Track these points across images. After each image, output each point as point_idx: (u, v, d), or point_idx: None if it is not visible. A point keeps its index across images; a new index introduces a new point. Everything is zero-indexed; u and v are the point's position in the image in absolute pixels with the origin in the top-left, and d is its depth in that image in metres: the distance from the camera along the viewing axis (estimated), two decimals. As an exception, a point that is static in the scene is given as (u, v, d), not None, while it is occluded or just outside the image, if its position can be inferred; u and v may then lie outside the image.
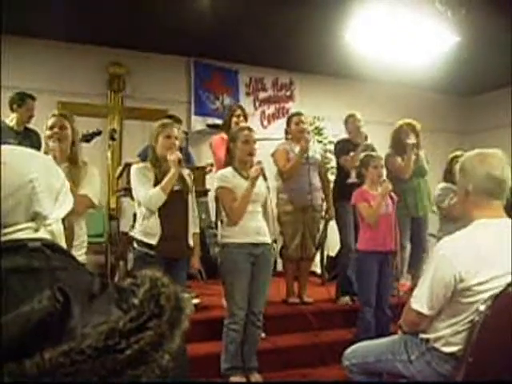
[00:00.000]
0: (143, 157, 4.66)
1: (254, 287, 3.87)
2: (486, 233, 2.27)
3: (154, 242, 3.65)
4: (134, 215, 4.37)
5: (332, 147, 6.82)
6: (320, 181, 5.28)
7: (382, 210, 4.36)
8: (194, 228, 3.95)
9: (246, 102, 8.06)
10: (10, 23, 5.80)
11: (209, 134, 6.91)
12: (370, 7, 5.14)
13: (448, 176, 4.63)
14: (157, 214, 3.68)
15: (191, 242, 3.88)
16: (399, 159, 5.31)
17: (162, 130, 3.81)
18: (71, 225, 3.08)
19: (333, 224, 6.30)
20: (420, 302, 2.32)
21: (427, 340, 2.39)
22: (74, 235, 3.17)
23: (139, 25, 6.31)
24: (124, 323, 0.78)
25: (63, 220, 1.18)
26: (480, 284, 2.18)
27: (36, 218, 1.08)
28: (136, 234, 3.78)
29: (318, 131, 7.88)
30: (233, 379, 3.86)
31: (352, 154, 5.12)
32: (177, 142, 3.86)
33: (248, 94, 8.22)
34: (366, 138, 5.35)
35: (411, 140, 5.20)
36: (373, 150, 5.23)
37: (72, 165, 3.42)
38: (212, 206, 5.44)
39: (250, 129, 4.06)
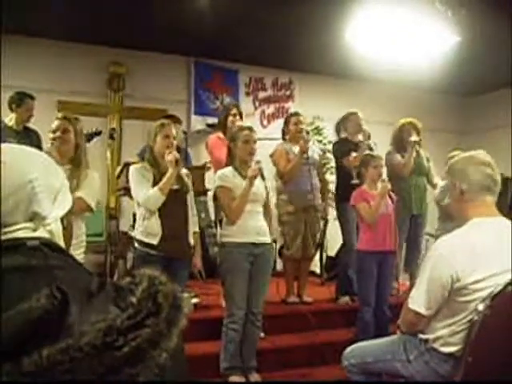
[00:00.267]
0: (142, 156, 4.66)
1: (253, 287, 3.87)
2: (481, 231, 2.29)
3: (154, 241, 3.66)
4: (134, 215, 4.37)
5: (331, 147, 6.82)
6: (319, 181, 5.28)
7: (381, 209, 4.36)
8: (193, 227, 3.96)
9: (246, 102, 8.08)
10: (10, 23, 5.81)
11: (209, 133, 6.89)
12: (369, 7, 5.14)
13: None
14: (157, 214, 3.69)
15: (191, 241, 3.89)
16: (400, 157, 5.32)
17: (161, 129, 3.82)
18: (70, 224, 3.09)
19: (332, 224, 6.32)
20: (417, 302, 2.32)
21: (426, 340, 2.39)
22: (73, 234, 3.18)
23: (139, 24, 6.30)
24: (122, 321, 0.78)
25: (62, 219, 1.18)
26: (476, 282, 2.19)
27: (35, 217, 1.08)
28: (136, 234, 3.79)
29: (318, 131, 7.88)
30: (232, 379, 3.86)
31: (354, 154, 5.10)
32: (175, 142, 3.87)
33: (248, 94, 8.22)
34: (369, 136, 5.34)
35: (414, 138, 5.22)
36: (371, 149, 5.23)
37: (74, 167, 3.44)
38: (211, 205, 5.44)
39: (250, 129, 4.06)
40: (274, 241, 5.25)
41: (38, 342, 0.74)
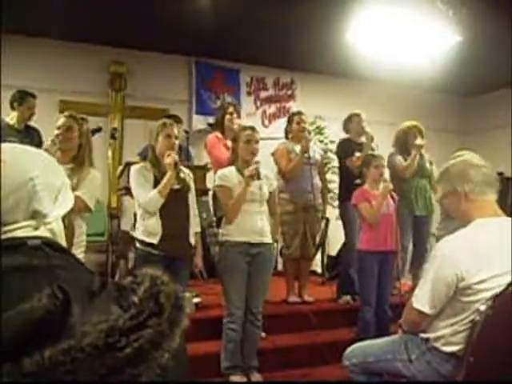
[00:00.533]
0: (144, 156, 4.67)
1: (251, 287, 3.87)
2: (485, 231, 2.29)
3: (155, 241, 3.66)
4: (135, 214, 4.37)
5: (333, 147, 6.83)
6: (319, 180, 5.28)
7: (382, 209, 4.36)
8: (195, 227, 3.96)
9: (247, 102, 8.09)
10: (11, 23, 5.81)
11: (210, 133, 6.91)
12: (370, 7, 5.14)
13: None
14: (158, 213, 3.69)
15: (193, 241, 3.89)
16: (402, 159, 5.32)
17: (163, 129, 3.82)
18: (71, 223, 3.09)
19: (333, 223, 6.32)
20: (421, 301, 2.32)
21: (427, 339, 2.39)
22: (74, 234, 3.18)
23: (140, 24, 6.31)
24: (124, 321, 0.78)
25: (63, 218, 1.17)
26: (481, 282, 2.19)
27: (36, 216, 1.07)
28: (138, 233, 3.79)
29: (319, 131, 7.87)
30: (233, 378, 3.86)
31: (358, 154, 5.10)
32: (177, 142, 3.87)
33: (249, 94, 8.22)
34: (372, 139, 5.34)
35: (419, 141, 5.22)
36: (373, 150, 5.23)
37: (76, 166, 3.44)
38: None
39: (252, 128, 4.06)
40: (276, 241, 5.25)
41: (40, 342, 0.74)
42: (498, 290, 2.16)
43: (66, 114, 3.65)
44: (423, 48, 5.71)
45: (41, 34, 6.68)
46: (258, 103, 8.28)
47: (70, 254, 1.08)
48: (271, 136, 5.96)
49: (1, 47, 5.62)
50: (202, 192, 4.89)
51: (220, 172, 3.98)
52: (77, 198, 3.27)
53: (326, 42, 6.59)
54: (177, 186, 3.78)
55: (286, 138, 5.36)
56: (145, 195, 3.67)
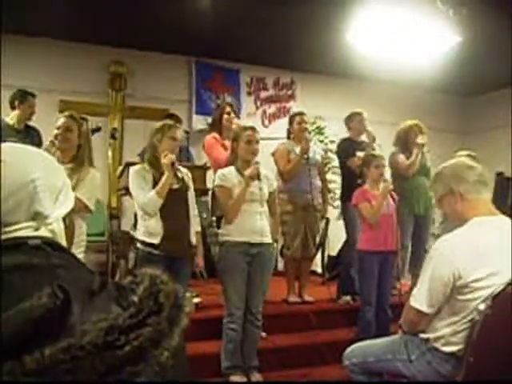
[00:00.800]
0: (143, 156, 4.66)
1: (251, 287, 3.87)
2: (482, 230, 2.31)
3: (156, 241, 3.66)
4: (135, 214, 4.38)
5: (333, 147, 6.83)
6: (320, 180, 5.28)
7: (382, 209, 4.36)
8: (195, 226, 3.96)
9: (248, 102, 8.10)
10: (11, 22, 5.81)
11: (209, 133, 6.91)
12: (370, 7, 5.14)
13: None
14: (158, 213, 3.69)
15: (193, 241, 3.89)
16: (405, 158, 5.32)
17: (168, 131, 3.80)
18: (72, 223, 3.09)
19: (334, 223, 6.32)
20: (419, 300, 2.33)
21: (427, 340, 2.40)
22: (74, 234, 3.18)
23: (141, 24, 6.31)
24: (123, 320, 0.79)
25: (64, 219, 1.18)
26: (477, 281, 2.20)
27: (37, 217, 1.07)
28: (138, 234, 3.79)
29: (319, 131, 7.87)
30: (233, 378, 3.86)
31: (359, 154, 5.09)
32: (180, 144, 3.88)
33: (249, 94, 8.22)
34: (374, 139, 5.34)
35: (421, 140, 5.22)
36: (373, 149, 5.23)
37: (75, 166, 3.44)
38: (212, 204, 5.45)
39: (253, 129, 4.07)
40: (276, 241, 5.25)
41: (40, 340, 0.74)
42: (495, 289, 2.18)
43: (66, 114, 3.65)
44: (423, 48, 5.71)
45: (41, 34, 6.68)
46: (258, 103, 8.29)
47: (70, 254, 1.09)
48: (271, 136, 5.96)
49: (1, 47, 5.62)
50: (201, 192, 4.90)
51: (220, 172, 3.98)
52: (76, 198, 3.27)
53: (326, 42, 6.59)
54: (175, 186, 3.78)
55: (288, 138, 5.37)
56: (144, 196, 3.67)
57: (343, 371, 2.86)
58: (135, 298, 0.83)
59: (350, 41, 5.70)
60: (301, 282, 5.35)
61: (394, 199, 4.52)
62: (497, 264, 2.21)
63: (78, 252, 3.32)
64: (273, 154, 5.23)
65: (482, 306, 2.18)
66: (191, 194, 3.96)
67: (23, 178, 1.07)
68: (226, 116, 5.04)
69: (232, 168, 3.98)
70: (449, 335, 2.31)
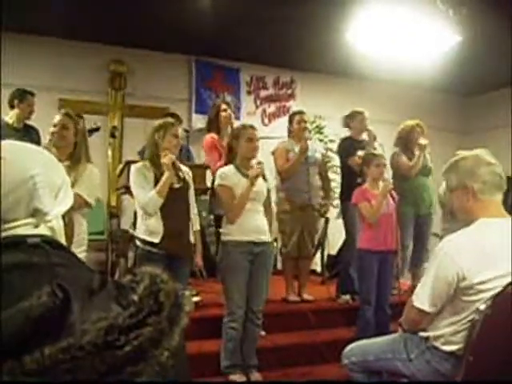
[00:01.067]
0: (144, 154, 4.66)
1: (252, 285, 3.87)
2: (489, 232, 2.27)
3: (156, 240, 3.66)
4: (135, 213, 4.37)
5: (333, 146, 6.83)
6: (320, 179, 5.28)
7: (382, 209, 4.36)
8: (194, 225, 3.96)
9: (247, 101, 8.10)
10: (11, 21, 5.80)
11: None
12: (370, 6, 5.14)
13: None
14: (158, 212, 3.69)
15: (192, 240, 3.89)
16: (407, 159, 5.32)
17: (171, 128, 3.80)
18: (71, 221, 3.09)
19: (333, 223, 6.31)
20: (422, 299, 2.32)
21: (427, 338, 2.39)
22: (74, 232, 3.18)
23: (140, 23, 6.30)
24: (123, 319, 0.78)
25: (63, 216, 1.17)
26: (482, 283, 2.18)
27: (36, 214, 1.07)
28: (138, 232, 3.79)
29: (319, 130, 7.87)
30: (232, 377, 3.86)
31: (360, 153, 5.09)
32: (181, 142, 3.88)
33: (249, 93, 8.21)
34: (375, 138, 5.34)
35: (423, 141, 5.22)
36: (374, 148, 5.23)
37: (73, 163, 3.44)
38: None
39: (253, 127, 4.07)
40: (276, 240, 5.25)
41: (40, 340, 0.74)
42: (498, 291, 2.16)
43: (62, 111, 3.66)
44: (423, 48, 5.71)
45: (41, 33, 6.67)
46: (258, 102, 8.28)
47: (69, 252, 1.08)
48: (271, 135, 5.96)
49: (0, 46, 5.61)
50: (201, 191, 4.89)
51: (220, 171, 3.98)
52: (75, 194, 3.27)
53: (326, 41, 6.59)
54: (177, 185, 3.78)
55: (289, 136, 5.37)
56: (144, 195, 3.66)
57: (342, 370, 2.86)
58: (135, 297, 0.83)
59: (350, 40, 5.69)
60: (300, 281, 5.35)
61: (393, 198, 4.52)
62: (503, 267, 2.18)
63: (80, 251, 3.32)
64: (273, 153, 5.23)
65: (482, 306, 2.17)
66: (191, 193, 3.96)
67: (23, 175, 1.07)
68: (223, 114, 5.03)
69: (231, 166, 3.97)
70: (449, 334, 2.30)
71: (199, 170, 4.90)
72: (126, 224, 6.09)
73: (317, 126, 7.86)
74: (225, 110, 5.05)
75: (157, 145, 3.79)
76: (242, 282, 3.82)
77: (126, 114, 7.37)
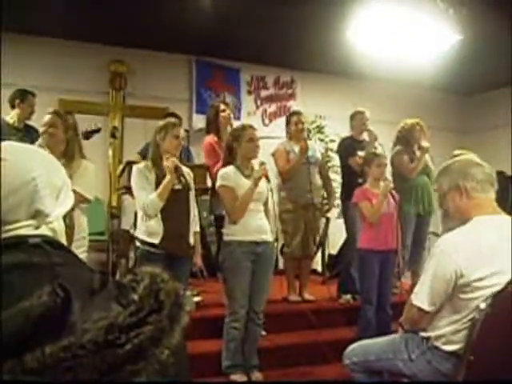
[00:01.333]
0: (144, 154, 4.66)
1: (255, 285, 3.87)
2: (486, 229, 2.30)
3: (156, 240, 3.67)
4: (135, 213, 4.37)
5: (333, 145, 6.83)
6: (321, 179, 5.28)
7: (383, 208, 4.36)
8: (194, 227, 3.97)
9: (248, 101, 8.09)
10: (11, 21, 5.80)
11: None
12: (371, 5, 5.14)
13: None
14: (159, 214, 3.70)
15: (192, 241, 3.89)
16: (408, 158, 5.32)
17: (172, 129, 3.80)
18: (72, 222, 3.09)
19: (334, 222, 6.32)
20: (421, 298, 2.33)
21: (428, 338, 2.40)
22: (75, 232, 3.18)
23: (141, 23, 6.30)
24: (124, 318, 0.79)
25: (64, 217, 1.18)
26: (479, 280, 2.19)
27: (38, 215, 1.07)
28: (139, 233, 3.79)
29: (320, 130, 7.87)
30: (233, 377, 3.87)
31: (360, 153, 5.10)
32: (182, 143, 3.88)
33: (249, 93, 8.21)
34: (375, 138, 5.34)
35: (425, 143, 5.23)
36: (374, 147, 5.24)
37: (66, 161, 3.44)
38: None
39: (252, 127, 4.09)
40: (276, 239, 5.25)
41: (40, 339, 0.74)
42: (498, 288, 2.17)
43: (51, 110, 3.67)
44: (423, 47, 5.71)
45: (41, 33, 6.67)
46: (259, 102, 8.28)
47: (70, 252, 1.09)
48: (271, 135, 5.96)
49: (1, 46, 5.61)
50: (202, 191, 4.90)
51: (222, 172, 3.98)
52: (74, 192, 3.26)
53: (326, 40, 6.58)
54: (178, 187, 3.78)
55: (287, 137, 5.37)
56: (145, 197, 3.66)
57: (344, 370, 2.86)
58: (135, 297, 0.83)
59: (350, 39, 5.70)
60: (301, 281, 5.35)
61: (394, 198, 4.52)
62: (499, 263, 2.20)
63: (81, 252, 3.32)
64: (273, 155, 5.24)
65: (482, 305, 2.17)
66: (192, 194, 3.96)
67: (24, 177, 1.07)
68: (222, 114, 5.01)
69: (232, 167, 3.97)
70: (450, 334, 2.30)
71: (200, 170, 4.90)
72: (126, 224, 6.09)
73: (317, 126, 7.85)
74: (224, 111, 5.04)
75: (158, 146, 3.79)
76: (245, 282, 3.83)
77: (127, 115, 7.37)
